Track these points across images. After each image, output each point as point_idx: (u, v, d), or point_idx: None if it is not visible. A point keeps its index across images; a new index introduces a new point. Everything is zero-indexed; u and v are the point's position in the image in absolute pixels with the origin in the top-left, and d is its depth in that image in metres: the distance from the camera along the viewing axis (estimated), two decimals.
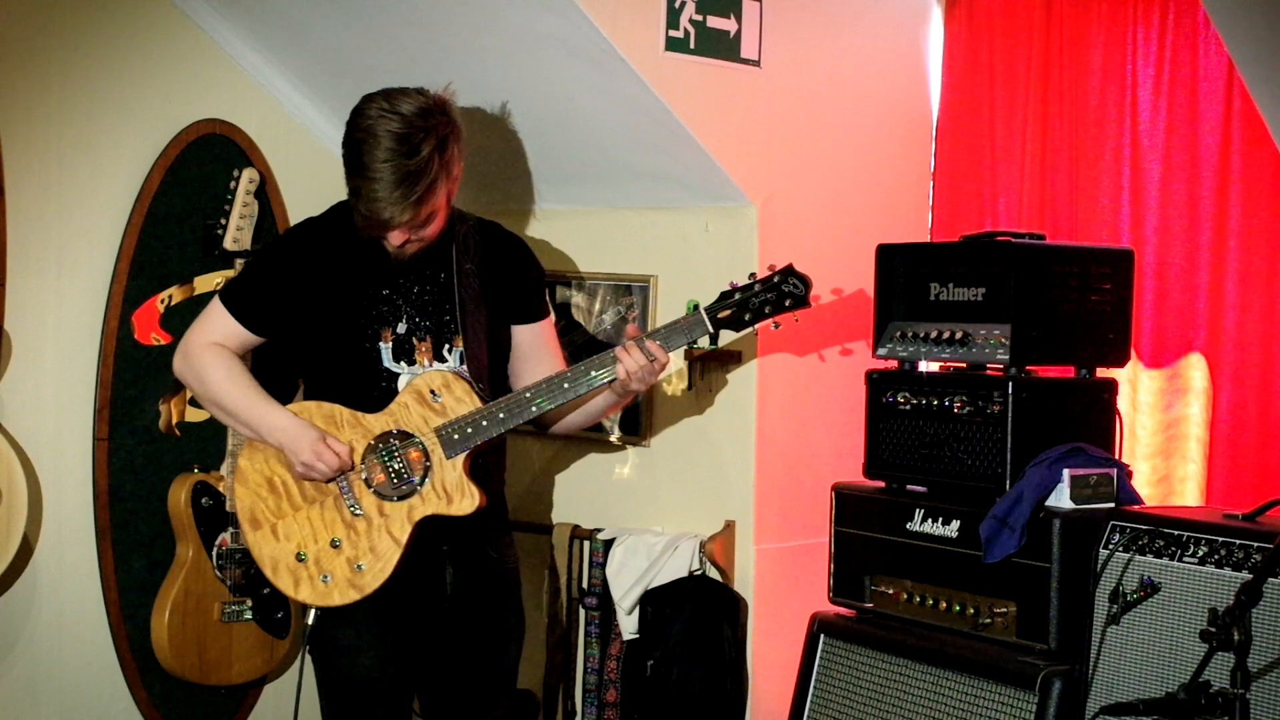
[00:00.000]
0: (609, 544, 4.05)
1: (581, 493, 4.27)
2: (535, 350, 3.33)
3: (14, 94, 3.87)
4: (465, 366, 3.19)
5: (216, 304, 3.25)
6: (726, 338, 3.34)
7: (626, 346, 3.12)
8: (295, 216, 4.32)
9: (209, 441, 4.16)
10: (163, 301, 4.12)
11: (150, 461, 4.11)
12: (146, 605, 4.04)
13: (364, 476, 3.14)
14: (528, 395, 3.12)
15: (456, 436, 3.11)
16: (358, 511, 3.14)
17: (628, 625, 3.97)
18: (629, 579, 3.94)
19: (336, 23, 3.97)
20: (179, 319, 4.14)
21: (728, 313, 3.16)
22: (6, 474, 3.77)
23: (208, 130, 4.17)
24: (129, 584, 4.08)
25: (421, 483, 3.12)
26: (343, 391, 3.19)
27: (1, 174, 3.79)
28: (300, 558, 3.15)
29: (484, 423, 3.11)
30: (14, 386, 3.88)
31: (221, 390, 3.20)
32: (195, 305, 4.16)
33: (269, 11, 4.06)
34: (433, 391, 3.13)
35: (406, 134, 3.00)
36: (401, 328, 3.20)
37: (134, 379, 4.08)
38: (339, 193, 4.18)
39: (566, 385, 3.13)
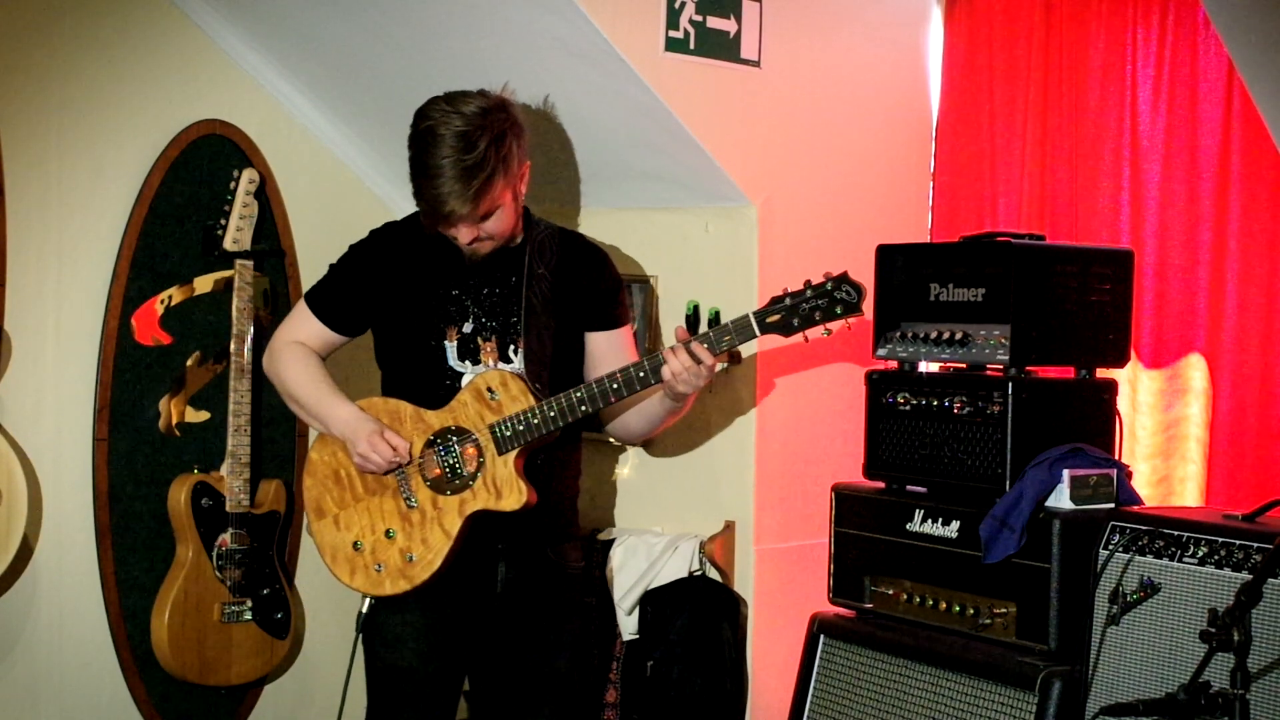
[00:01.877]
0: (609, 544, 4.05)
1: (581, 493, 4.25)
2: (610, 357, 3.34)
3: (14, 94, 3.86)
4: (524, 367, 3.23)
5: (301, 304, 3.41)
6: (773, 343, 3.31)
7: (673, 349, 3.13)
8: (295, 217, 4.33)
9: (209, 442, 4.16)
10: (163, 302, 4.12)
11: (150, 462, 4.11)
12: (146, 605, 4.04)
13: (421, 470, 3.21)
14: (577, 395, 3.15)
15: (508, 433, 3.16)
16: (413, 504, 3.21)
17: (628, 625, 3.97)
18: (629, 579, 3.94)
19: (337, 23, 3.97)
20: (179, 319, 4.14)
21: (777, 318, 3.11)
22: (6, 474, 3.77)
23: (208, 130, 4.17)
24: (129, 584, 4.08)
25: (474, 478, 3.18)
26: (411, 388, 3.28)
27: (1, 174, 3.79)
28: (357, 547, 3.24)
29: (534, 420, 3.15)
30: (14, 386, 3.88)
31: (296, 385, 3.34)
32: (195, 305, 4.16)
33: (269, 12, 4.06)
34: (490, 389, 3.18)
35: (466, 132, 3.08)
36: (467, 327, 3.26)
37: (134, 379, 4.08)
38: (339, 192, 4.18)
39: (614, 385, 3.15)
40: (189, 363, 4.16)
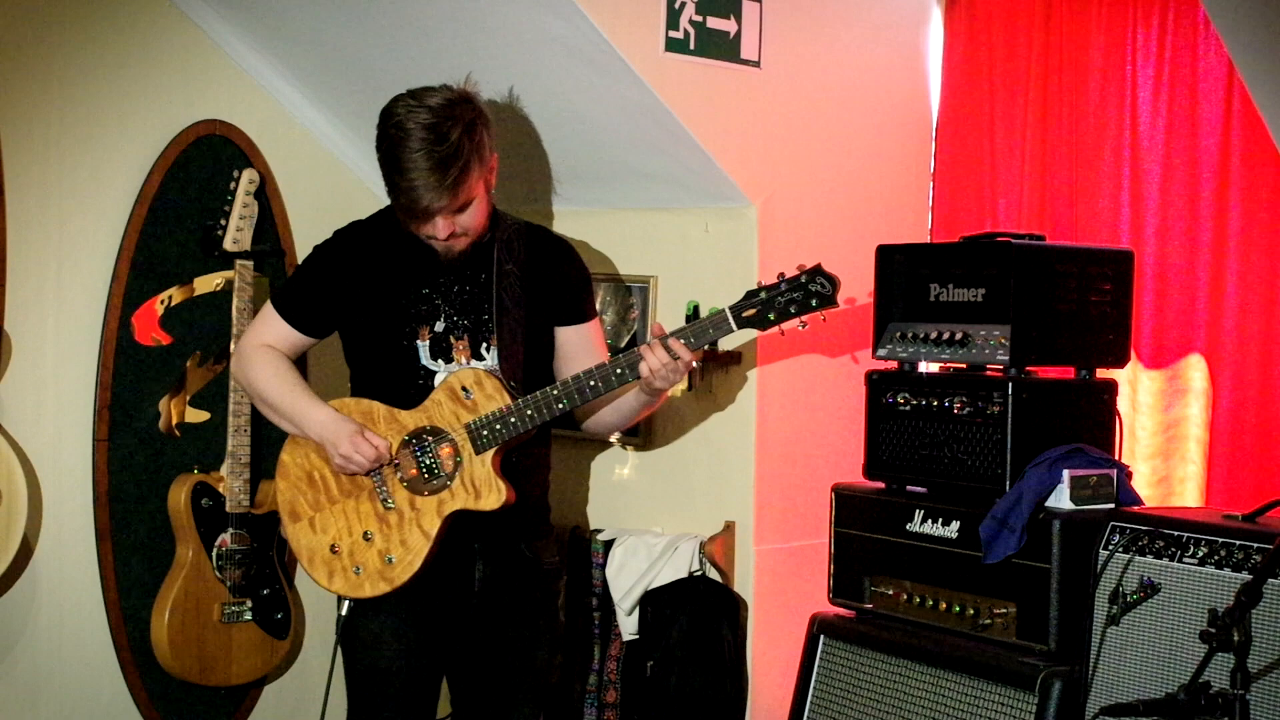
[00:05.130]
0: (609, 544, 4.05)
1: (581, 493, 4.27)
2: (579, 352, 3.34)
3: (14, 94, 3.86)
4: (499, 365, 3.22)
5: (268, 307, 3.36)
6: (749, 336, 3.31)
7: (650, 345, 3.14)
8: (295, 217, 4.33)
9: (209, 442, 4.16)
10: (162, 302, 4.12)
11: (150, 462, 4.11)
12: (146, 606, 4.04)
13: (397, 471, 3.19)
14: (554, 393, 3.14)
15: (486, 433, 3.14)
16: (390, 505, 3.19)
17: (628, 626, 3.98)
18: (629, 580, 3.94)
19: (336, 24, 3.97)
20: (179, 319, 4.14)
21: (752, 312, 3.14)
22: (6, 474, 3.77)
23: (208, 130, 4.17)
24: (129, 585, 4.08)
25: (451, 478, 3.16)
26: (382, 388, 3.25)
27: (1, 174, 3.79)
28: (334, 549, 3.22)
29: (512, 419, 3.14)
30: (14, 387, 3.88)
31: (268, 388, 3.29)
32: (195, 305, 4.16)
33: (269, 12, 4.06)
34: (464, 388, 3.16)
35: (436, 123, 3.05)
36: (439, 326, 3.24)
37: (134, 379, 4.08)
38: (339, 193, 4.17)
39: (592, 383, 3.15)
40: (189, 363, 4.16)
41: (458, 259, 3.21)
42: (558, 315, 3.34)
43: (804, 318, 3.14)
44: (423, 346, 3.24)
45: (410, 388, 3.23)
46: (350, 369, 3.38)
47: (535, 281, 3.30)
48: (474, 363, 3.23)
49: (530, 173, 4.14)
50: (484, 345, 3.24)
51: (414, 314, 3.24)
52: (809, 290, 3.12)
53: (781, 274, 3.16)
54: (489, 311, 3.24)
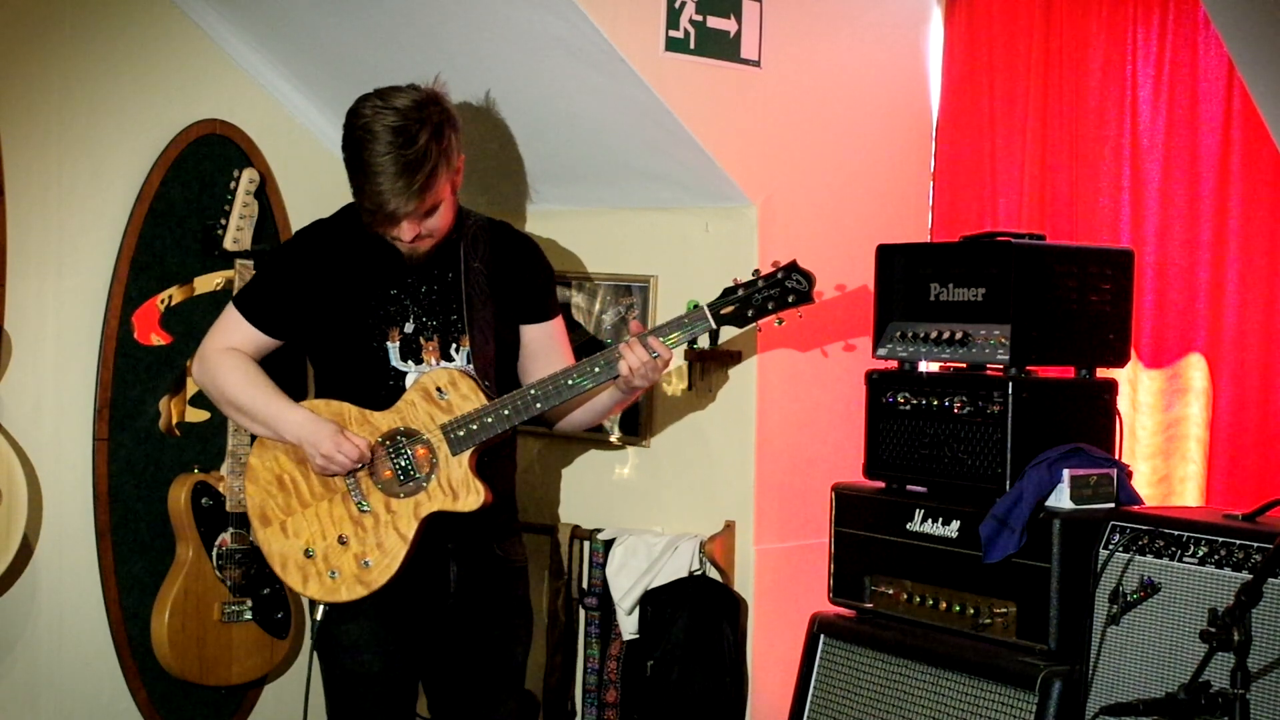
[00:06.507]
0: (609, 544, 4.05)
1: (581, 493, 4.27)
2: (544, 350, 3.34)
3: (14, 94, 3.87)
4: (472, 365, 3.21)
5: (231, 309, 3.30)
6: (729, 334, 3.34)
7: (629, 343, 3.14)
8: (295, 217, 4.33)
9: (209, 441, 4.16)
10: (163, 302, 4.12)
11: (150, 462, 4.11)
12: (146, 605, 4.04)
13: (371, 473, 3.16)
14: (532, 392, 3.14)
15: (462, 433, 3.13)
16: (365, 508, 3.16)
17: (628, 625, 3.97)
18: (629, 579, 3.94)
19: (336, 23, 3.97)
20: (179, 319, 4.14)
21: (731, 309, 3.16)
22: (6, 474, 3.77)
23: (208, 130, 4.17)
24: (129, 584, 4.08)
25: (428, 479, 3.14)
26: (351, 390, 3.21)
27: (1, 174, 3.79)
28: (309, 554, 3.18)
29: (489, 419, 3.12)
30: (14, 386, 3.88)
31: (238, 391, 3.23)
32: (195, 305, 4.17)
33: (269, 11, 4.06)
34: (439, 389, 3.14)
35: (403, 126, 3.03)
36: (409, 327, 3.22)
37: (134, 379, 4.08)
38: (339, 193, 4.17)
39: (570, 382, 3.14)
40: (189, 362, 4.16)
41: (423, 259, 3.20)
42: (524, 313, 3.33)
43: (781, 314, 3.18)
44: (393, 348, 3.21)
45: (380, 389, 3.21)
46: (315, 370, 3.36)
47: (502, 279, 3.28)
48: (444, 363, 3.22)
49: (529, 172, 4.14)
50: (453, 346, 3.23)
51: (383, 315, 3.21)
52: (785, 287, 3.16)
53: (757, 271, 3.19)
54: (458, 311, 3.22)
